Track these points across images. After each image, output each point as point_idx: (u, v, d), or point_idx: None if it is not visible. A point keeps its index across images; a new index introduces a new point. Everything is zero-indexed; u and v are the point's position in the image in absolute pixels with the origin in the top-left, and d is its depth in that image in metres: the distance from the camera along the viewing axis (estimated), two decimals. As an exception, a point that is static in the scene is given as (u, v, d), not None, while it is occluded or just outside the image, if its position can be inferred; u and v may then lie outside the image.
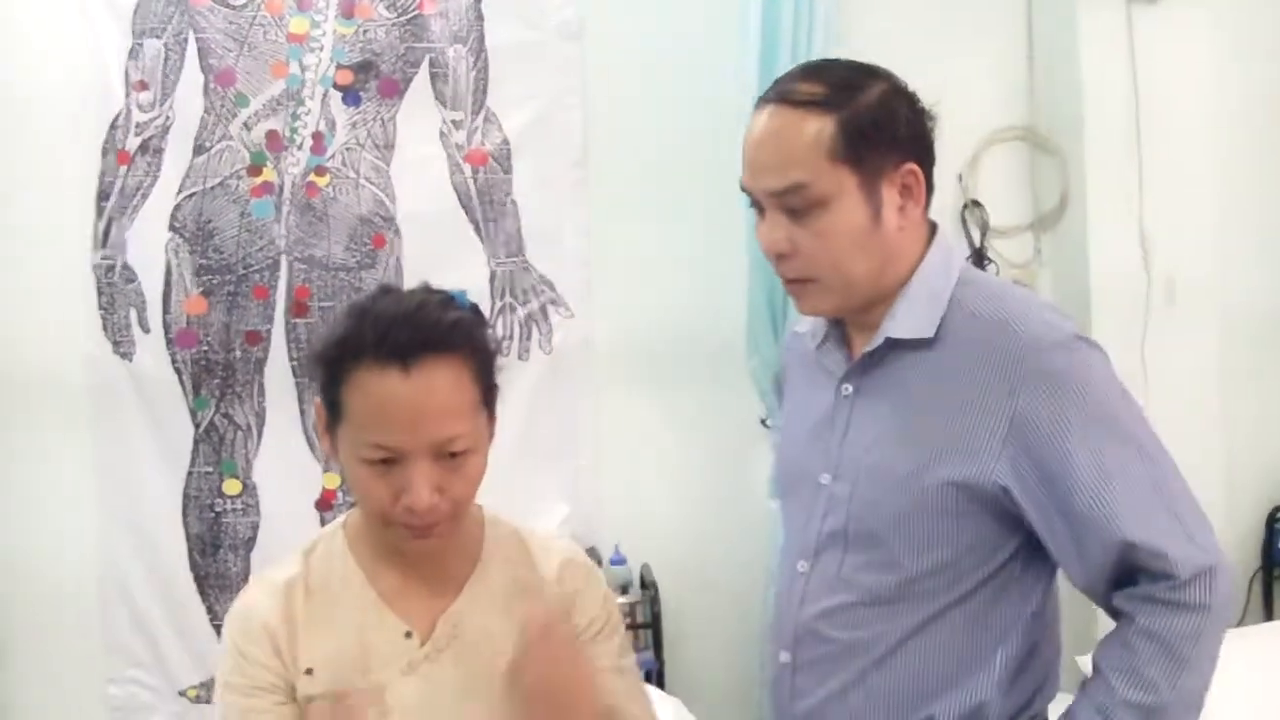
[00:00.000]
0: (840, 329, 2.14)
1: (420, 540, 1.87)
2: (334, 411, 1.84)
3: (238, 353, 3.95)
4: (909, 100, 2.00)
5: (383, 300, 1.86)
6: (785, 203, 1.96)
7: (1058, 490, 1.89)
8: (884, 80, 1.99)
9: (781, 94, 1.98)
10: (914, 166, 1.97)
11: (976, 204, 4.10)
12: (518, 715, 1.87)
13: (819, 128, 1.92)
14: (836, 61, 2.06)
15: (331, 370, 1.83)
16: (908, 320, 1.99)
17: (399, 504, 1.81)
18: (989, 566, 1.96)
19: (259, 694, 1.89)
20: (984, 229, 4.09)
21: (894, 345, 2.01)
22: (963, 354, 1.94)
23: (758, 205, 2.02)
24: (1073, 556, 1.93)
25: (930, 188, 2.01)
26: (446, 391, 1.79)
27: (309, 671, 1.90)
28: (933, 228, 2.07)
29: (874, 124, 1.93)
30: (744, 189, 2.03)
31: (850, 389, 2.08)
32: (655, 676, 3.82)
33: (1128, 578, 1.92)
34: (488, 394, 1.89)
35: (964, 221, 4.08)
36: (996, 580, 1.97)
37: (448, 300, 1.87)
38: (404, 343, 1.77)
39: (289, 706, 1.90)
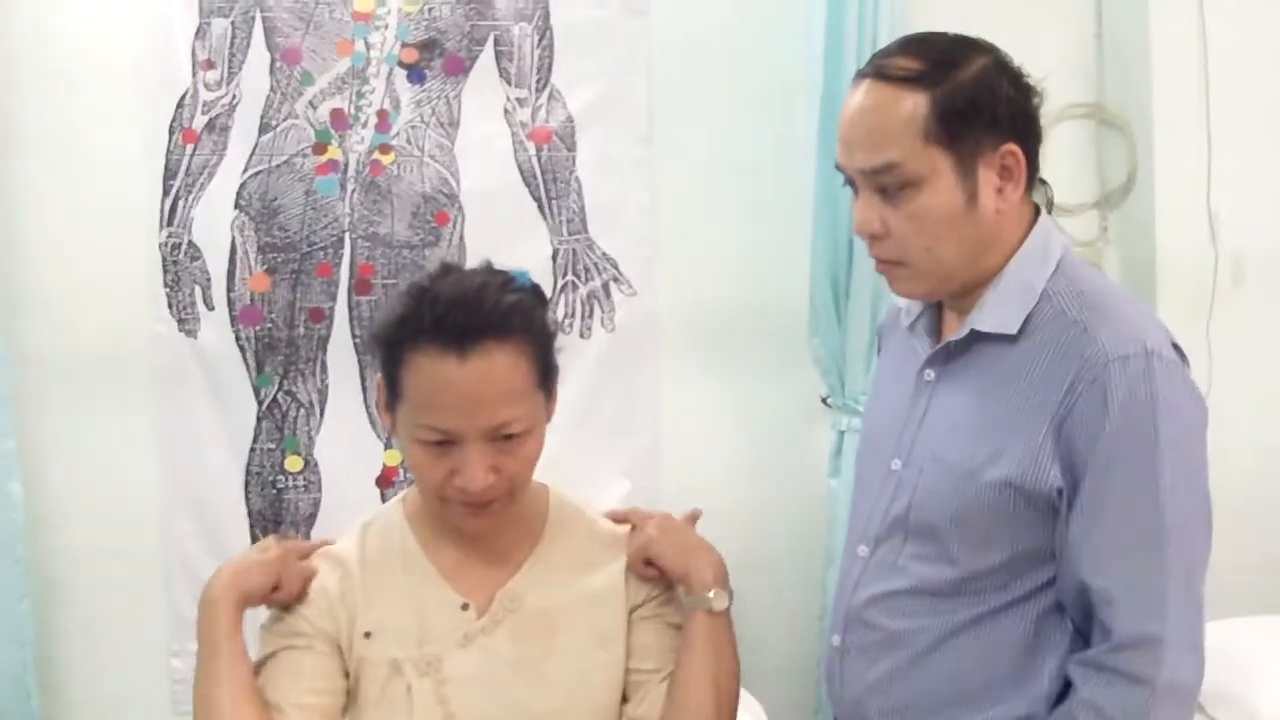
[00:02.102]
0: (935, 311, 2.11)
1: (476, 518, 1.89)
2: (392, 390, 1.87)
3: (301, 330, 3.97)
4: (1012, 76, 1.94)
5: (442, 281, 1.86)
6: (877, 182, 1.92)
7: (1070, 504, 1.86)
8: (986, 54, 1.94)
9: (878, 69, 1.94)
10: (1014, 147, 1.92)
11: (1042, 181, 4.04)
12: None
13: (913, 106, 1.88)
14: (938, 34, 2.00)
15: (390, 351, 1.85)
16: (995, 312, 1.94)
17: (453, 484, 1.83)
18: (1044, 574, 1.92)
19: (296, 637, 1.92)
20: (1049, 206, 4.04)
21: (979, 337, 1.97)
22: (1042, 352, 1.90)
23: (852, 183, 1.98)
24: (1059, 574, 1.91)
25: (1034, 168, 1.97)
26: (503, 376, 1.80)
27: (367, 635, 1.93)
28: (1036, 211, 2.02)
29: (971, 103, 1.88)
30: (838, 167, 1.99)
31: (932, 375, 2.05)
32: (715, 655, 3.81)
33: (1089, 629, 1.88)
34: (546, 375, 1.90)
35: (1033, 199, 4.04)
36: (1052, 590, 1.92)
37: (508, 281, 1.88)
38: (461, 327, 1.78)
39: (326, 646, 1.93)
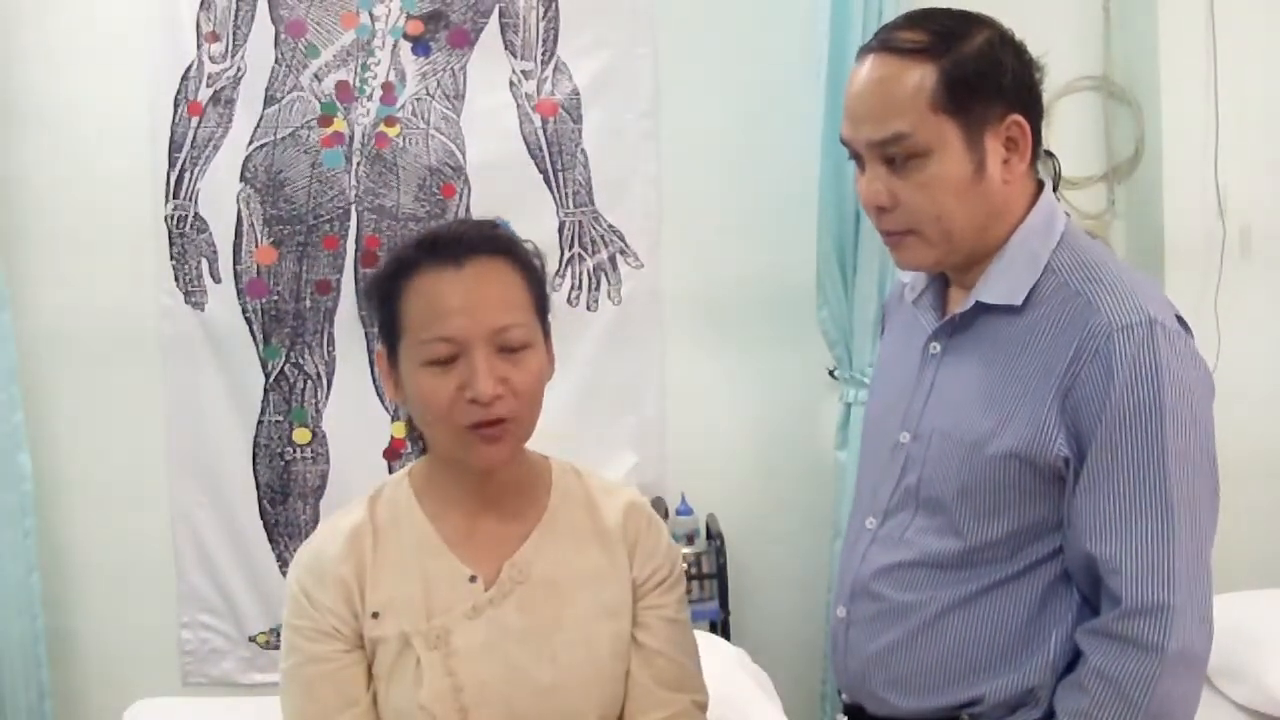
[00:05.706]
0: (939, 286, 2.11)
1: (489, 444, 1.89)
2: (393, 332, 1.91)
3: (308, 302, 3.97)
4: (1016, 50, 1.95)
5: (429, 230, 2.01)
6: (885, 153, 1.92)
7: (1076, 474, 1.87)
8: (990, 28, 1.95)
9: (884, 42, 1.95)
10: (1019, 118, 1.92)
11: (1049, 154, 4.03)
12: None
13: (920, 76, 1.89)
14: (941, 9, 2.00)
15: (389, 288, 1.91)
16: (1000, 284, 1.95)
17: (463, 399, 1.84)
18: (1050, 545, 1.93)
19: (323, 639, 1.94)
20: (1057, 179, 4.03)
21: (984, 309, 1.98)
22: (1046, 323, 1.91)
23: (858, 158, 1.98)
24: (1066, 544, 1.92)
25: (1038, 141, 1.97)
26: (499, 283, 1.89)
27: (375, 615, 1.94)
28: (1039, 186, 2.02)
29: (978, 73, 1.89)
30: (844, 141, 1.99)
31: (938, 348, 2.06)
32: (721, 627, 3.83)
33: (1098, 599, 1.89)
34: (540, 303, 1.95)
35: (1036, 172, 4.03)
36: (1058, 560, 1.93)
37: (489, 221, 2.00)
38: (455, 247, 1.88)
39: (353, 654, 1.95)
